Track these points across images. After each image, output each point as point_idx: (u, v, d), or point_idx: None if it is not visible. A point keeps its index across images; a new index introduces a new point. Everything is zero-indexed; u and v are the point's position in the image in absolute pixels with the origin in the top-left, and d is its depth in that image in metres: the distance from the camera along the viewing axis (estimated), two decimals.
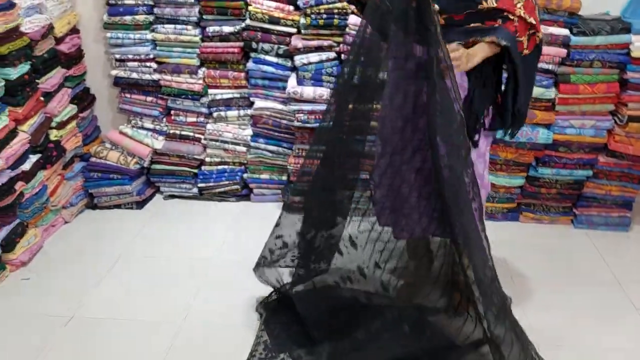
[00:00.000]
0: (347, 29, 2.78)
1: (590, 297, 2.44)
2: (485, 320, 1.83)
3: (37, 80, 2.79)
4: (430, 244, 2.23)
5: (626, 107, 2.72)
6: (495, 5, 1.78)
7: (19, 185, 2.63)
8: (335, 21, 2.78)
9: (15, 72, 2.59)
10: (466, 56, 1.78)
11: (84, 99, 3.24)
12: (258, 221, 3.08)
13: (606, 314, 2.34)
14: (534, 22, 1.81)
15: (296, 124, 2.96)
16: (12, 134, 2.61)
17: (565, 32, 2.68)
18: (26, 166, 2.69)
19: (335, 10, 2.77)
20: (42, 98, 2.82)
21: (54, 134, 2.93)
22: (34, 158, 2.76)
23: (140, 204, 3.24)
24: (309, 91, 2.87)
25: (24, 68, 2.66)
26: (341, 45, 2.85)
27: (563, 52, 2.70)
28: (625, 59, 2.68)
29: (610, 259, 2.71)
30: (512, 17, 1.78)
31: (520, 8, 1.79)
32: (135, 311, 2.37)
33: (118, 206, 3.24)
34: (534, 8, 1.83)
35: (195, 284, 2.53)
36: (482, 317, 1.86)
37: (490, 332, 1.83)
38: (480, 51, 1.80)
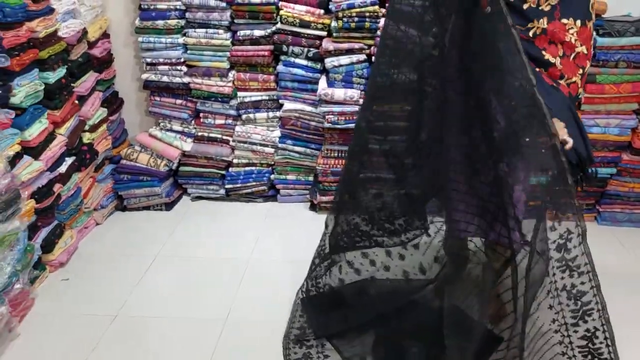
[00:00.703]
0: (378, 32, 2.83)
1: (622, 290, 2.49)
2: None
3: (72, 84, 2.83)
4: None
5: None
6: (545, 26, 1.68)
7: (57, 187, 2.67)
8: (367, 24, 2.84)
9: (54, 76, 2.63)
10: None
11: (113, 102, 3.29)
12: (286, 221, 3.15)
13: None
14: (585, 52, 1.70)
15: (326, 125, 3.02)
16: (51, 136, 2.65)
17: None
18: (63, 168, 2.74)
19: (367, 14, 2.83)
20: (76, 101, 2.87)
21: (86, 137, 2.98)
22: (69, 160, 2.80)
23: (169, 206, 3.29)
24: (339, 93, 2.93)
25: (61, 72, 2.70)
26: (372, 47, 2.91)
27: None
28: None
29: (638, 255, 2.77)
30: (552, 61, 1.70)
31: (572, 34, 1.68)
32: (179, 309, 2.41)
33: (147, 208, 3.28)
34: (590, 37, 1.71)
35: (233, 283, 2.58)
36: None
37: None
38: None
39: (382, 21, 2.82)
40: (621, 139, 2.90)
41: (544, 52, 1.71)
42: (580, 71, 1.72)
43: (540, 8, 1.69)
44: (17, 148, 2.40)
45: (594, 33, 1.75)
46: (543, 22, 1.69)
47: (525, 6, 1.69)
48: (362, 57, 2.93)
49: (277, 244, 2.91)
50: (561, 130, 1.57)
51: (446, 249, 2.36)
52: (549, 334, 1.73)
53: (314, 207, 3.23)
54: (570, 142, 1.59)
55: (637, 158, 2.91)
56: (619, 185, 3.00)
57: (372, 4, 2.83)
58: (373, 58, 2.92)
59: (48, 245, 2.62)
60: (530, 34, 1.71)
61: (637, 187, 2.98)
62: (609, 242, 2.90)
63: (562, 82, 1.71)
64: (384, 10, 2.80)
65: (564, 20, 1.68)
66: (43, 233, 2.61)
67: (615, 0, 2.86)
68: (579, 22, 1.68)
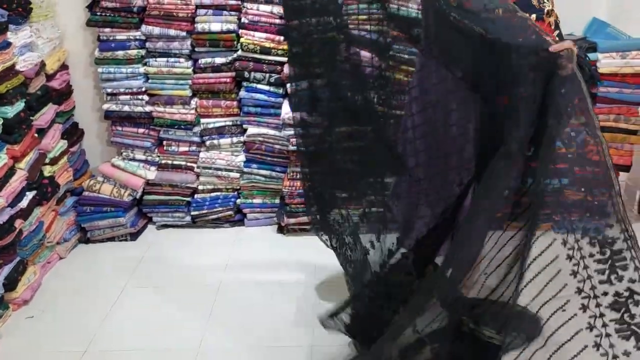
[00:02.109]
0: (337, 57, 2.90)
1: None
2: None
3: (31, 118, 2.80)
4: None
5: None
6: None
7: (18, 223, 2.62)
8: (327, 49, 2.90)
9: (12, 110, 2.60)
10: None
11: (73, 134, 3.25)
12: (255, 245, 3.16)
13: None
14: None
15: (291, 147, 3.06)
16: (11, 171, 2.60)
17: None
18: (24, 203, 2.69)
19: (327, 40, 2.90)
20: (36, 134, 2.83)
21: (47, 170, 2.93)
22: (30, 195, 2.75)
23: (134, 236, 3.25)
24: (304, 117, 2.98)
25: (20, 106, 2.67)
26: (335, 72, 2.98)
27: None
28: (593, 75, 2.91)
29: None
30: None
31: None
32: (149, 341, 2.39)
33: (112, 239, 3.23)
34: (550, 31, 1.83)
35: (204, 310, 2.56)
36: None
37: None
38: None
39: (342, 46, 2.90)
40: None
41: None
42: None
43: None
44: None
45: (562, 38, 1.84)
46: (499, 12, 1.72)
47: None
48: (324, 80, 2.99)
49: (246, 269, 2.91)
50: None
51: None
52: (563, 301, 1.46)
53: (281, 230, 3.25)
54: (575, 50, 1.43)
55: None
56: (573, 195, 3.13)
57: (330, 30, 2.90)
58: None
59: (11, 283, 2.56)
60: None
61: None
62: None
63: None
64: (342, 37, 2.87)
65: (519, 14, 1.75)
66: (5, 271, 2.54)
67: (560, 21, 3.02)
68: (534, 16, 1.77)
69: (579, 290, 1.40)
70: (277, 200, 3.30)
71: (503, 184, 1.60)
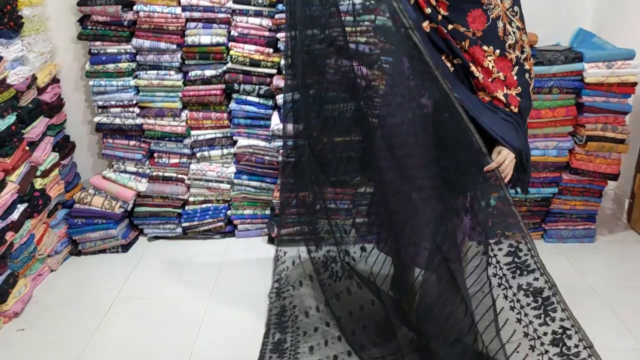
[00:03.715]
0: (327, 68, 2.93)
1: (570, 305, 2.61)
2: None
3: (22, 131, 2.81)
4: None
5: (584, 128, 2.98)
6: (467, 48, 1.81)
7: (9, 236, 2.62)
8: (316, 61, 2.93)
9: (3, 124, 2.61)
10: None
11: (64, 147, 3.26)
12: (245, 256, 3.16)
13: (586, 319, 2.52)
14: (502, 79, 1.83)
15: (280, 159, 3.08)
16: (2, 184, 2.61)
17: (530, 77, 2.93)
18: (15, 216, 2.69)
19: (316, 51, 2.93)
20: (27, 147, 2.84)
21: (38, 183, 2.94)
22: (21, 207, 2.75)
23: (125, 247, 3.26)
24: (292, 127, 3.00)
25: (11, 119, 2.68)
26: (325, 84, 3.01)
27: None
28: (579, 84, 2.94)
29: (582, 269, 2.92)
30: (476, 74, 1.84)
31: (490, 61, 1.82)
32: (141, 353, 2.38)
33: (103, 251, 3.24)
34: (509, 68, 1.84)
35: (195, 322, 2.57)
36: None
37: None
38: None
39: (331, 58, 2.93)
40: (560, 160, 3.07)
41: (470, 65, 1.85)
42: (500, 93, 1.84)
43: (463, 32, 1.83)
44: None
45: (526, 65, 1.90)
46: (465, 45, 1.83)
47: (450, 27, 1.83)
48: (313, 91, 3.02)
49: (237, 280, 2.92)
50: (509, 159, 1.79)
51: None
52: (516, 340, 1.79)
53: (272, 241, 3.26)
54: (507, 177, 1.81)
55: (575, 177, 3.08)
56: (562, 204, 3.16)
57: (319, 42, 2.93)
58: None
59: (1, 296, 2.56)
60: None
61: (579, 205, 3.15)
62: (556, 258, 3.04)
63: (482, 94, 1.86)
64: (331, 49, 2.90)
65: (484, 47, 1.82)
66: None
67: (545, 30, 3.06)
68: (497, 52, 1.82)
69: (525, 334, 1.73)
70: (268, 212, 3.32)
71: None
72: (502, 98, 1.83)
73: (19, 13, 2.82)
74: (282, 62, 3.01)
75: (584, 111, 2.98)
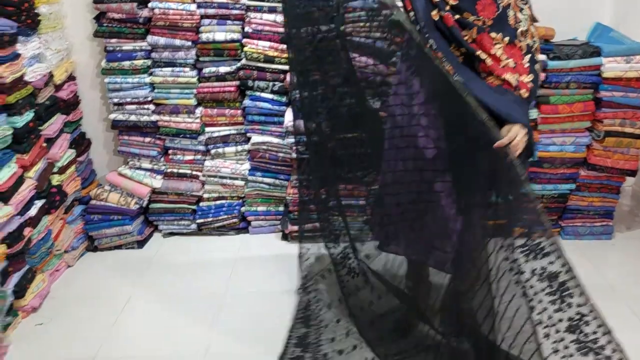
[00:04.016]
0: (339, 64, 2.93)
1: None
2: None
3: (39, 127, 2.84)
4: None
5: (602, 123, 2.94)
6: (475, 36, 1.78)
7: (27, 231, 2.65)
8: (327, 57, 2.93)
9: (21, 120, 2.64)
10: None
11: (80, 144, 3.29)
12: (259, 252, 3.17)
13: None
14: (512, 65, 1.77)
15: (294, 155, 3.08)
16: (20, 180, 2.64)
17: (542, 57, 2.90)
18: (32, 212, 2.72)
19: (328, 47, 2.92)
20: (44, 144, 2.87)
21: (55, 179, 2.97)
22: (39, 203, 2.78)
23: (141, 244, 3.28)
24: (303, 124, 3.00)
25: (29, 116, 2.70)
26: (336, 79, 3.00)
27: (541, 76, 2.91)
28: (597, 79, 2.91)
29: (600, 266, 2.89)
30: (483, 57, 1.78)
31: (499, 49, 1.78)
32: (158, 347, 2.40)
33: (119, 247, 3.26)
34: (520, 56, 1.79)
35: (210, 317, 2.58)
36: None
37: None
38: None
39: (342, 54, 2.92)
40: (577, 156, 3.04)
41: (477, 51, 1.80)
42: (510, 75, 1.77)
43: (472, 20, 1.77)
44: None
45: (536, 56, 1.86)
46: (473, 33, 1.77)
47: (457, 16, 1.78)
48: (324, 87, 3.01)
49: (251, 276, 2.93)
50: (521, 135, 1.70)
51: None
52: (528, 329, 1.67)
53: (285, 237, 3.27)
54: (520, 150, 1.70)
55: (593, 173, 3.05)
56: (579, 200, 3.13)
57: (331, 38, 2.92)
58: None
59: (20, 291, 2.58)
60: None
61: (596, 201, 3.12)
62: (573, 255, 2.98)
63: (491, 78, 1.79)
64: (344, 44, 2.89)
65: (493, 34, 1.77)
66: (15, 278, 2.57)
67: (563, 25, 3.03)
68: (507, 39, 1.77)
69: (540, 322, 1.63)
70: (281, 208, 3.32)
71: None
72: (512, 80, 1.76)
73: (36, 11, 2.84)
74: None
75: (602, 106, 2.94)
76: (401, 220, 2.15)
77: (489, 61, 1.77)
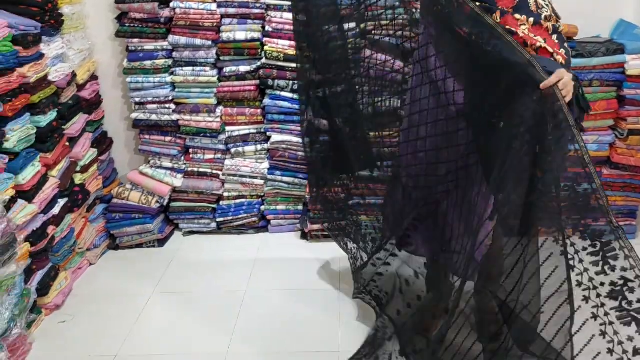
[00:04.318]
0: (361, 62, 2.92)
1: None
2: None
3: (62, 127, 2.87)
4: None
5: (625, 121, 2.91)
6: (498, 20, 1.72)
7: (50, 229, 2.68)
8: (350, 55, 2.93)
9: (45, 120, 2.67)
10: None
11: (102, 143, 3.32)
12: (279, 251, 3.18)
13: None
14: (542, 44, 1.71)
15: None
16: (44, 179, 2.67)
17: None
18: (56, 210, 2.75)
19: (350, 46, 2.92)
20: (67, 143, 2.90)
21: (78, 178, 3.00)
22: (62, 202, 2.82)
23: (161, 242, 3.31)
24: (324, 123, 3.00)
25: (52, 115, 2.74)
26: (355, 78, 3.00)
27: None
28: (621, 77, 2.87)
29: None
30: (514, 30, 1.72)
31: (524, 30, 1.71)
32: (179, 345, 2.42)
33: (140, 245, 3.29)
34: (548, 35, 1.75)
35: (231, 316, 2.59)
36: None
37: None
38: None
39: (364, 52, 2.91)
40: (600, 154, 3.01)
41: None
42: (543, 44, 1.72)
43: (494, 6, 1.75)
44: (12, 192, 2.42)
45: (566, 44, 1.81)
46: (496, 17, 1.74)
47: (477, 3, 1.73)
48: (346, 86, 3.01)
49: (271, 274, 2.94)
50: (568, 76, 1.55)
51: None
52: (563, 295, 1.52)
53: (305, 236, 3.27)
54: (569, 95, 1.55)
55: (616, 172, 3.01)
56: None
57: (353, 37, 2.92)
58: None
59: (43, 289, 2.62)
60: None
61: (619, 200, 3.08)
62: None
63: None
64: (364, 42, 2.89)
65: (517, 16, 1.73)
66: (38, 276, 2.60)
67: (585, 22, 2.99)
68: (532, 20, 1.73)
69: (579, 283, 1.46)
70: (301, 207, 3.32)
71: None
72: (548, 47, 1.70)
73: (59, 11, 2.88)
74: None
75: (626, 104, 2.90)
76: (416, 217, 2.14)
77: (520, 32, 1.71)
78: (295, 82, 3.09)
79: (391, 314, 2.33)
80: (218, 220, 3.35)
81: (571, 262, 1.48)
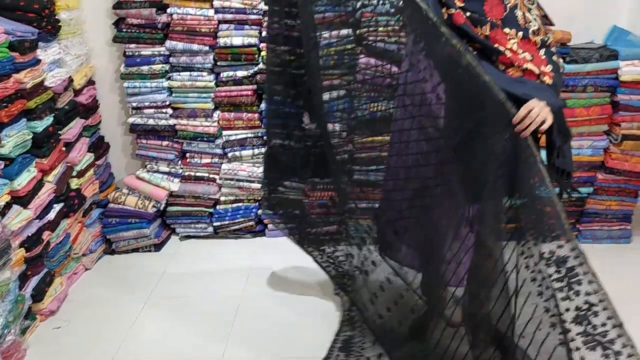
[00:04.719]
0: (357, 68, 2.93)
1: None
2: None
3: (59, 132, 2.87)
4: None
5: (619, 126, 2.93)
6: (487, 33, 1.75)
7: (45, 235, 2.68)
8: (346, 61, 2.94)
9: (41, 125, 2.67)
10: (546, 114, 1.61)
11: (99, 147, 3.32)
12: (276, 255, 3.18)
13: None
14: (530, 58, 1.74)
15: (311, 158, 3.08)
16: (39, 184, 2.67)
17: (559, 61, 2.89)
18: (51, 215, 2.74)
19: (346, 52, 2.93)
20: (63, 148, 2.90)
21: (74, 183, 3.00)
22: (57, 207, 2.81)
23: (158, 247, 3.31)
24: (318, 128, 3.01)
25: (48, 120, 2.74)
26: (351, 83, 3.01)
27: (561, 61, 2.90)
28: (614, 82, 2.90)
29: (618, 270, 2.86)
30: (502, 49, 1.76)
31: (513, 44, 1.75)
32: (175, 350, 2.42)
33: (136, 250, 3.29)
34: (534, 49, 1.77)
35: (228, 320, 2.59)
36: None
37: None
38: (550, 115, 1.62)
39: (360, 58, 2.93)
40: (595, 159, 3.03)
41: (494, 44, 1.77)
42: (530, 64, 1.75)
43: (482, 19, 1.77)
44: (7, 198, 2.41)
45: (552, 49, 1.84)
46: (485, 29, 1.76)
47: (468, 14, 1.77)
48: (342, 92, 3.02)
49: (268, 278, 2.94)
50: (540, 106, 1.60)
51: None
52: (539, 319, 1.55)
53: None
54: (548, 122, 1.60)
55: (611, 177, 3.03)
56: (597, 204, 3.11)
57: (349, 43, 2.93)
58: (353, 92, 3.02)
59: (38, 294, 2.61)
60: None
61: (614, 205, 3.10)
62: (590, 259, 2.97)
63: (511, 70, 1.77)
64: (361, 48, 2.90)
65: (506, 30, 1.76)
66: (33, 282, 2.59)
67: (579, 28, 3.02)
68: (520, 34, 1.76)
69: (547, 310, 1.49)
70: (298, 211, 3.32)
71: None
72: (534, 69, 1.73)
73: (56, 17, 2.88)
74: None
75: (619, 109, 2.93)
76: (403, 225, 2.15)
77: (508, 53, 1.75)
78: None
79: (372, 318, 2.34)
80: (215, 224, 3.36)
81: (540, 289, 1.51)
